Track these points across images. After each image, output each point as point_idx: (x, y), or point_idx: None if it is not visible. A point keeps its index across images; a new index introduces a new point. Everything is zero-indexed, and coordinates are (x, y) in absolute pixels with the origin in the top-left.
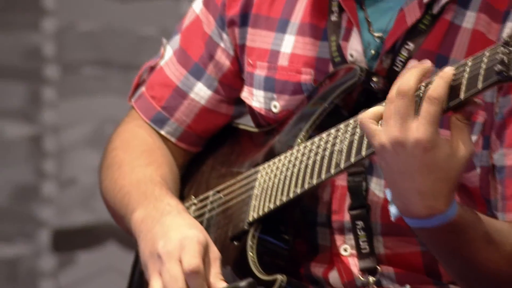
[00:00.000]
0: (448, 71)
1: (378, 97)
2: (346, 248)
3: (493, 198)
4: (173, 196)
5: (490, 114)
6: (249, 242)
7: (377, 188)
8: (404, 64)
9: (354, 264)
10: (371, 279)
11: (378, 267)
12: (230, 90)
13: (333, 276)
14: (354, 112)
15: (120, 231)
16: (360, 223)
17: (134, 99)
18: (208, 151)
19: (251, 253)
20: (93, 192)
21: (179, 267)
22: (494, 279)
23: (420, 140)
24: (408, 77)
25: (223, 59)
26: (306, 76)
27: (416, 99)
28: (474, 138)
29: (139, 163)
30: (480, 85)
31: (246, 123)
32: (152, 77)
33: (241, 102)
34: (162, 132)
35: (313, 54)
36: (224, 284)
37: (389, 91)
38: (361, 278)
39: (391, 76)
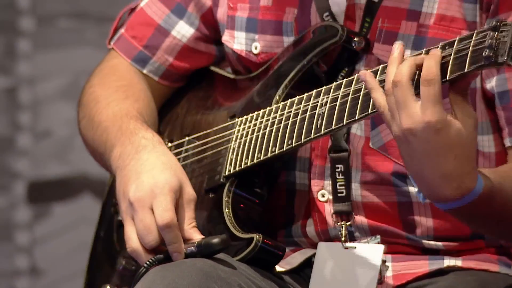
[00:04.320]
0: (436, 52)
1: (359, 56)
2: (324, 193)
3: (479, 120)
4: (148, 129)
5: None
6: (225, 198)
7: (358, 129)
8: None
9: (330, 212)
10: (344, 224)
11: (353, 214)
12: (210, 29)
13: (309, 224)
14: (333, 71)
15: (94, 183)
16: (340, 167)
17: (113, 41)
18: (184, 94)
19: (227, 210)
20: (68, 144)
21: (151, 216)
22: None
23: (429, 122)
24: (399, 66)
25: None
26: (288, 15)
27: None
28: None
29: (115, 98)
30: (466, 68)
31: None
32: (132, 18)
33: (223, 43)
34: (145, 71)
35: None
36: (198, 233)
37: (369, 50)
38: (334, 220)
39: (373, 9)
